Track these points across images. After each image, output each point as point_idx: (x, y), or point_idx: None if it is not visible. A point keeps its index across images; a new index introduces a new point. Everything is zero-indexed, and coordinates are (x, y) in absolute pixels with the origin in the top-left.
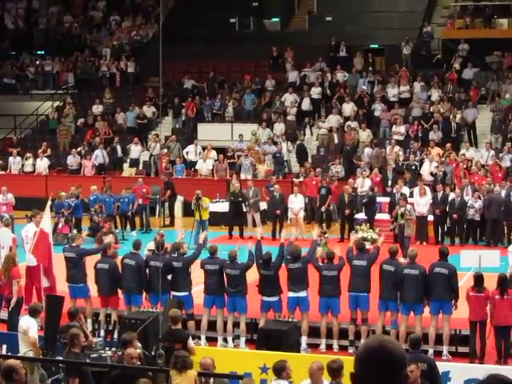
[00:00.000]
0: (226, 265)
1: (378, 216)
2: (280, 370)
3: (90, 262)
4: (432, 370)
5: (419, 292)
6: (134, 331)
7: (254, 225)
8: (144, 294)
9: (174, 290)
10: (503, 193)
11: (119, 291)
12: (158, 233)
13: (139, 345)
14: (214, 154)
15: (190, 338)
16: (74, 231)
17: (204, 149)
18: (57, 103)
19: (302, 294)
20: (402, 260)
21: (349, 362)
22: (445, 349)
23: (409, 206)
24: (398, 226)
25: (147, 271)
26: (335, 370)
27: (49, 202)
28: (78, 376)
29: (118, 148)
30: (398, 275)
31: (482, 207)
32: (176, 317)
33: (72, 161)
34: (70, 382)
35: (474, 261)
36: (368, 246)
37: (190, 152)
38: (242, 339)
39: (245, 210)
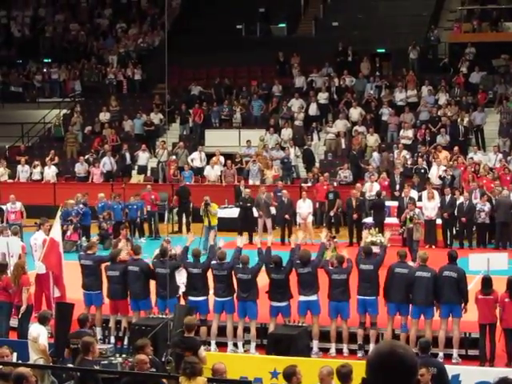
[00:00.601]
0: (237, 269)
1: (387, 220)
2: (290, 375)
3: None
4: (442, 374)
5: (430, 295)
6: (144, 337)
7: (264, 230)
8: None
9: (192, 296)
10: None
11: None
12: (164, 239)
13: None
14: (221, 159)
15: (202, 347)
16: (84, 238)
17: (209, 155)
18: (64, 111)
19: (313, 297)
20: (411, 264)
21: (358, 367)
22: (455, 352)
23: (417, 210)
24: (406, 230)
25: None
26: (344, 375)
27: (59, 212)
28: None
29: (127, 155)
30: (411, 278)
31: (491, 210)
32: (191, 324)
33: (80, 168)
34: None
35: (482, 264)
36: (376, 249)
37: (195, 159)
38: (253, 344)
39: (255, 215)
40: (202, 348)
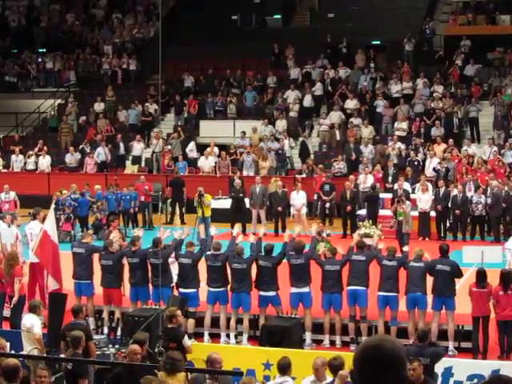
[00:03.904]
0: (232, 259)
1: (381, 212)
2: (286, 367)
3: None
4: (432, 365)
5: (423, 285)
6: (137, 329)
7: (259, 221)
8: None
9: (182, 288)
10: (506, 189)
11: (123, 288)
12: (160, 229)
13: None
14: (216, 150)
15: (186, 337)
16: (78, 229)
17: (204, 146)
18: (58, 101)
19: (305, 289)
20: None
21: (351, 359)
22: (450, 344)
23: (407, 202)
24: (396, 222)
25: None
26: (336, 368)
27: (52, 205)
28: (87, 377)
29: (121, 145)
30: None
31: (486, 203)
32: (172, 315)
33: (70, 159)
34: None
35: (476, 256)
36: (370, 241)
37: (193, 150)
38: (245, 336)
39: (248, 206)
40: (186, 337)
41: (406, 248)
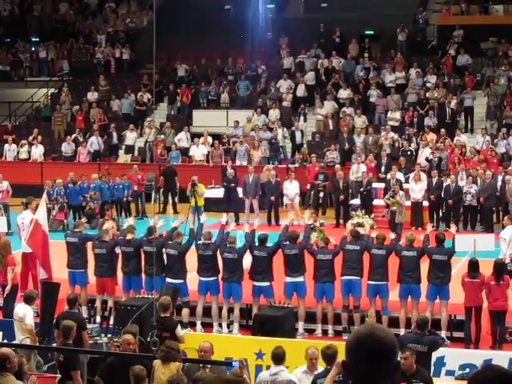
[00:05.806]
0: (224, 249)
1: (374, 202)
2: (281, 357)
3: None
4: (428, 354)
5: (416, 273)
6: (129, 318)
7: (251, 210)
8: (143, 277)
9: (170, 278)
10: (499, 179)
11: (116, 277)
12: (153, 217)
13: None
14: (209, 140)
15: (179, 327)
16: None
17: (197, 135)
18: (52, 90)
19: (300, 278)
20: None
21: (343, 348)
22: (443, 334)
23: (401, 192)
24: (390, 212)
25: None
26: (329, 356)
27: (44, 195)
28: (79, 368)
29: (114, 135)
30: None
31: (477, 192)
32: (165, 304)
33: (67, 148)
34: (72, 376)
35: (468, 245)
36: (362, 231)
37: (182, 139)
38: (236, 325)
39: (240, 195)
40: (179, 327)
41: (392, 235)
